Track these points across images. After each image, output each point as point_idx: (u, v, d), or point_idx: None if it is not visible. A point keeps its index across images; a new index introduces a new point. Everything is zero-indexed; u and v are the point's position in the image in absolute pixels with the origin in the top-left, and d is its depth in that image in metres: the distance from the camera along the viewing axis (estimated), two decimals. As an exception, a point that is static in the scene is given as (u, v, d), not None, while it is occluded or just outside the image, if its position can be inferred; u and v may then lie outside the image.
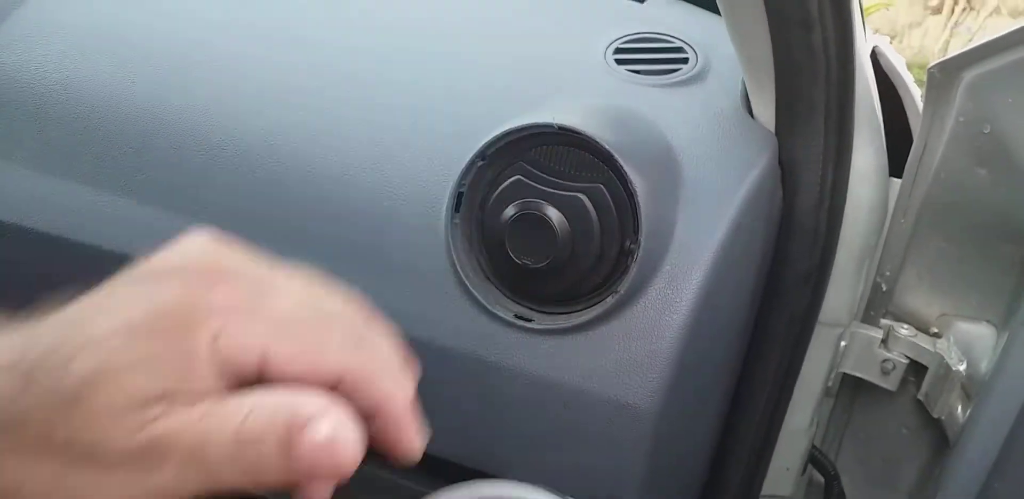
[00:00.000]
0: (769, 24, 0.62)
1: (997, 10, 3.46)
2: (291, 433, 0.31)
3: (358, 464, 0.32)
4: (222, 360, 0.32)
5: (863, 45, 0.72)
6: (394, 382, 0.36)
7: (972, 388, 0.72)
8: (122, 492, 0.31)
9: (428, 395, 0.66)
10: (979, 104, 0.67)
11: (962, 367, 0.74)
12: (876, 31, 3.84)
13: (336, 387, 0.34)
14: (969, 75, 0.66)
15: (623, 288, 0.60)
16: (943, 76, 0.68)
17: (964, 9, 3.63)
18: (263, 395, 0.33)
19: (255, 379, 0.33)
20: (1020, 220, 0.69)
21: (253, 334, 0.33)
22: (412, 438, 0.37)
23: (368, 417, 0.35)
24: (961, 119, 0.68)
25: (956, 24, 3.62)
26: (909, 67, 0.89)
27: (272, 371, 0.33)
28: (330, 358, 0.34)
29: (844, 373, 0.83)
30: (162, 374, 0.31)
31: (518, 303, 0.64)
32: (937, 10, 3.74)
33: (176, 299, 0.32)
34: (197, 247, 0.35)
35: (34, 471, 0.31)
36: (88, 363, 0.31)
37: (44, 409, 0.31)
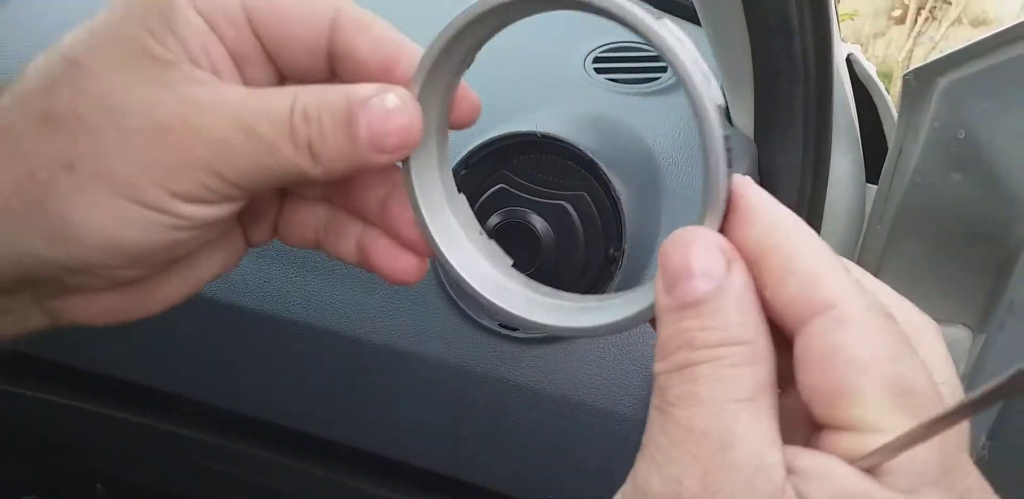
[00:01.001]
0: (749, 31, 0.63)
1: (959, 20, 3.52)
2: (351, 108, 0.31)
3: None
4: (206, 7, 0.31)
5: (840, 53, 0.73)
6: (399, 34, 0.34)
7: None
8: (154, 163, 0.30)
9: (415, 405, 0.66)
10: (954, 110, 0.68)
11: (940, 370, 0.74)
12: (842, 41, 3.90)
13: (335, 41, 0.33)
14: (944, 81, 0.68)
15: (608, 295, 0.60)
16: (918, 83, 0.69)
17: (927, 19, 3.69)
18: (301, 87, 0.32)
19: (252, 42, 0.33)
20: (994, 224, 0.70)
21: None
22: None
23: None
24: (936, 125, 0.69)
25: (919, 34, 3.68)
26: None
27: (260, 16, 0.32)
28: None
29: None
30: (146, 24, 0.31)
31: (503, 311, 0.64)
32: (900, 20, 3.80)
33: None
34: None
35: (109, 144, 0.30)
36: (77, 32, 0.31)
37: (51, 87, 0.30)
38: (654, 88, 0.74)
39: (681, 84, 0.27)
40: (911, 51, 3.58)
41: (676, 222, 0.63)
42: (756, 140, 0.70)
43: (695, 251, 0.26)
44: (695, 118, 0.27)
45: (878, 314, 0.25)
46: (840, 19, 3.43)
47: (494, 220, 0.61)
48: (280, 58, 0.34)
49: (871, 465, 0.24)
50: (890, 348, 0.24)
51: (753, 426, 0.24)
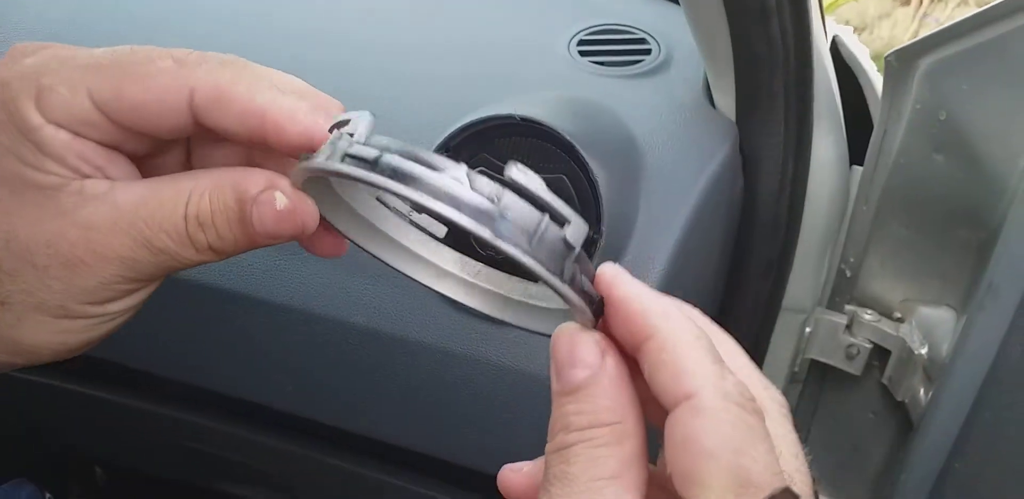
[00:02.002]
0: (727, 15, 0.63)
1: (964, 1, 3.49)
2: (243, 208, 0.33)
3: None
4: (60, 116, 0.31)
5: (821, 35, 0.72)
6: (267, 93, 0.33)
7: (933, 371, 0.73)
8: (59, 295, 0.33)
9: (399, 386, 0.67)
10: (935, 91, 0.68)
11: (924, 351, 0.75)
12: (847, 22, 3.87)
13: (197, 117, 0.33)
14: (925, 63, 0.67)
15: (586, 277, 0.60)
16: (900, 64, 0.69)
17: (932, 0, 3.66)
18: (194, 176, 0.33)
19: (117, 131, 0.33)
20: (976, 205, 0.70)
21: (71, 80, 0.31)
22: (308, 128, 0.33)
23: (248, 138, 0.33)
24: (918, 106, 0.69)
25: (924, 15, 3.66)
26: (878, 58, 0.90)
27: (111, 110, 0.32)
28: (165, 79, 0.32)
29: (811, 359, 0.85)
30: (19, 155, 0.31)
31: (484, 294, 0.65)
32: (905, 2, 3.77)
33: None
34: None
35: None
36: None
37: None
38: (637, 70, 0.75)
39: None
40: (916, 32, 3.56)
41: (655, 202, 0.64)
42: (738, 122, 0.70)
43: (576, 344, 0.30)
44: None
45: (732, 403, 0.27)
46: (843, 1, 3.41)
47: (473, 203, 0.61)
48: (151, 134, 0.34)
49: None
50: (736, 439, 0.27)
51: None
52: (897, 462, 0.78)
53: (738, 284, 0.73)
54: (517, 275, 0.38)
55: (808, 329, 0.81)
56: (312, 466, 0.81)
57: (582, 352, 0.30)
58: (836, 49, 0.83)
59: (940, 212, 0.73)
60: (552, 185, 0.61)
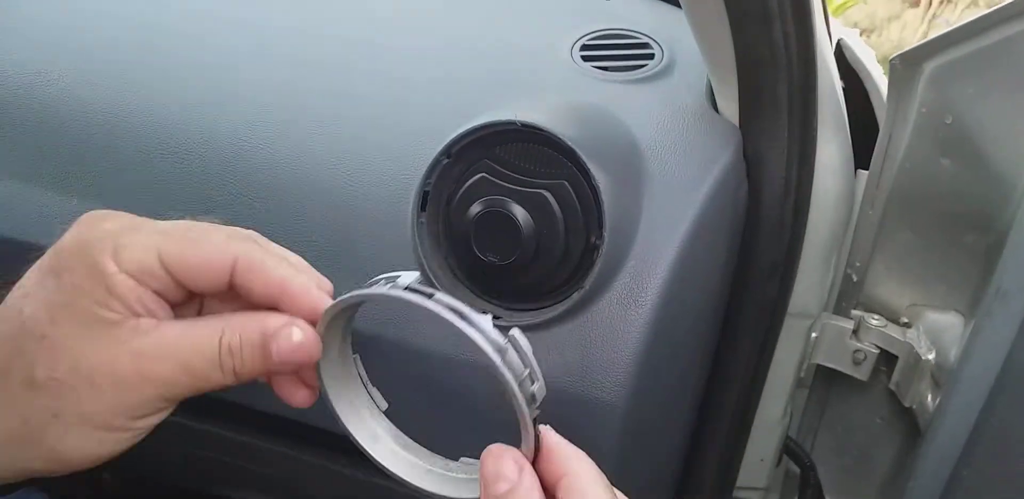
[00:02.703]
0: (729, 19, 0.62)
1: (975, 2, 3.48)
2: (265, 340, 0.43)
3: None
4: (132, 267, 0.40)
5: (825, 39, 0.72)
6: (286, 269, 0.44)
7: (941, 377, 0.73)
8: (109, 411, 0.41)
9: (398, 393, 0.67)
10: (940, 95, 0.68)
11: (931, 356, 0.74)
12: (855, 25, 3.85)
13: (233, 279, 0.43)
14: (930, 66, 0.67)
15: (588, 284, 0.60)
16: (904, 67, 0.68)
17: (942, 1, 3.65)
18: (224, 318, 0.43)
19: (171, 283, 0.42)
20: (982, 209, 0.69)
21: (145, 242, 0.41)
22: (315, 300, 0.44)
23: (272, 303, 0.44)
24: (923, 110, 0.69)
25: (934, 17, 3.64)
26: (886, 60, 0.89)
27: (174, 268, 0.41)
28: (217, 248, 0.42)
29: (817, 364, 0.84)
30: (92, 295, 0.40)
31: (486, 301, 0.65)
32: (915, 3, 3.76)
33: (74, 240, 0.41)
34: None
35: (32, 404, 0.41)
36: (33, 306, 0.41)
37: (12, 351, 0.40)
38: (640, 75, 0.74)
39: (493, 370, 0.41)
40: (926, 34, 3.55)
41: (659, 208, 0.63)
42: (741, 127, 0.70)
43: (500, 465, 0.40)
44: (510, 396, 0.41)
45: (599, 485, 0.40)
46: (853, 2, 3.40)
47: (475, 209, 0.61)
48: (192, 288, 0.44)
49: None
50: None
51: None
52: (905, 469, 0.78)
53: (743, 289, 0.72)
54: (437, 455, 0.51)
55: (814, 334, 0.81)
56: (319, 473, 0.81)
57: (505, 469, 0.40)
58: (841, 52, 0.82)
59: (947, 216, 0.73)
60: (554, 190, 0.61)
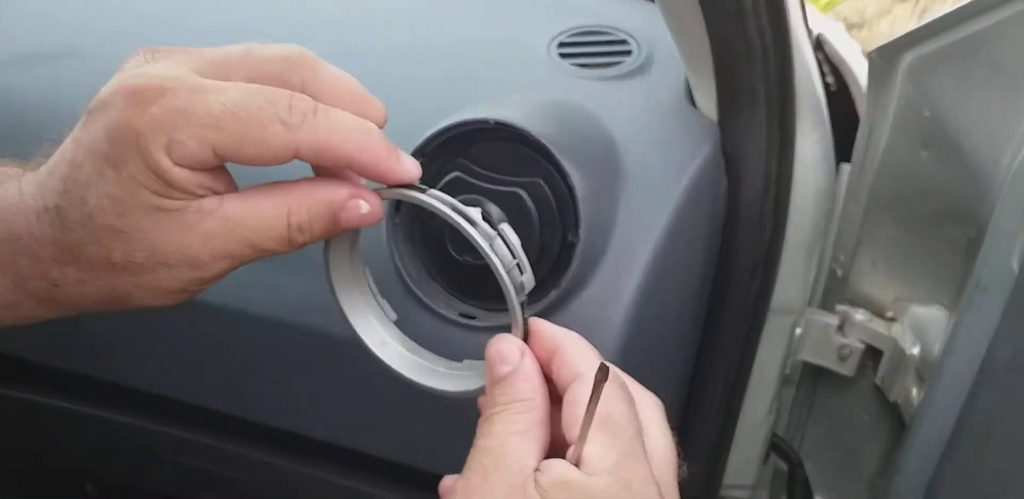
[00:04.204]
0: (704, 15, 0.62)
1: (964, -5, 3.47)
2: (335, 213, 0.44)
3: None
4: (186, 161, 0.40)
5: (803, 34, 0.72)
6: (353, 143, 0.42)
7: (925, 371, 0.72)
8: (185, 280, 0.44)
9: (378, 395, 0.66)
10: (918, 87, 0.67)
11: (916, 350, 0.74)
12: (845, 20, 3.85)
13: (301, 157, 0.42)
14: (907, 59, 0.67)
15: (565, 282, 0.59)
16: (883, 61, 0.68)
17: (931, -4, 3.65)
18: (286, 190, 0.43)
19: (222, 165, 0.42)
20: (962, 202, 0.69)
21: (198, 137, 0.40)
22: (394, 168, 0.44)
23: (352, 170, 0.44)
24: (902, 103, 0.69)
25: (924, 11, 3.64)
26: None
27: (231, 158, 0.41)
28: (276, 141, 0.40)
29: (803, 361, 0.84)
30: (152, 188, 0.41)
31: (462, 301, 0.64)
32: (905, -3, 3.76)
33: (123, 125, 0.40)
34: (131, 69, 0.43)
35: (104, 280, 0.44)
36: (97, 197, 0.41)
37: (86, 238, 0.42)
38: (618, 72, 0.74)
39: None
40: (917, 29, 3.53)
41: (636, 205, 0.63)
42: (720, 123, 0.69)
43: (503, 348, 0.44)
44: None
45: (610, 380, 0.39)
46: (842, -2, 3.40)
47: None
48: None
49: (575, 458, 0.39)
50: (608, 397, 0.40)
51: (521, 446, 0.40)
52: (892, 464, 0.78)
53: (725, 285, 0.72)
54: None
55: (799, 330, 0.80)
56: (306, 482, 0.81)
57: (507, 353, 0.43)
58: (822, 47, 0.82)
59: (929, 210, 0.73)
60: (529, 189, 0.61)
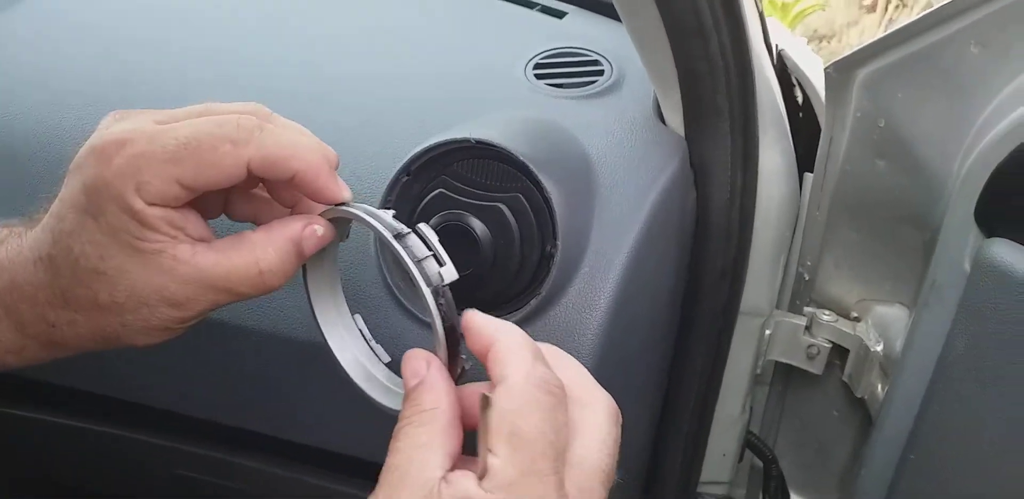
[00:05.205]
0: (668, 34, 0.66)
1: (929, 5, 3.54)
2: (299, 244, 0.49)
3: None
4: (156, 199, 0.45)
5: (763, 50, 0.76)
6: (296, 157, 0.47)
7: (889, 367, 0.76)
8: (167, 320, 0.48)
9: (365, 404, 0.69)
10: (873, 100, 0.71)
11: (879, 348, 0.78)
12: (815, 31, 3.92)
13: (252, 174, 0.46)
14: (862, 73, 0.71)
15: (545, 290, 0.63)
16: (839, 75, 0.72)
17: (897, 6, 3.72)
18: (251, 240, 0.48)
19: (188, 197, 0.46)
20: (918, 207, 0.73)
21: (162, 175, 0.45)
22: (330, 187, 0.49)
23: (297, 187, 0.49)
24: (858, 115, 0.73)
25: (891, 21, 3.71)
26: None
27: (194, 188, 0.46)
28: (228, 160, 0.45)
29: (775, 361, 0.88)
30: (129, 231, 0.45)
31: (449, 310, 0.67)
32: (872, 9, 3.83)
33: (95, 178, 0.45)
34: (100, 131, 0.48)
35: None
36: (81, 245, 0.46)
37: (73, 282, 0.47)
38: (591, 91, 0.78)
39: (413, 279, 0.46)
40: (885, 38, 3.59)
41: (609, 216, 0.67)
42: (687, 137, 0.73)
43: (412, 363, 0.45)
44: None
45: (531, 384, 0.41)
46: (812, 10, 3.46)
47: (434, 223, 0.64)
48: (214, 192, 0.49)
49: (480, 470, 0.40)
50: (522, 405, 0.40)
51: (425, 459, 0.41)
52: (859, 457, 0.81)
53: (695, 292, 0.76)
54: None
55: (768, 332, 0.84)
56: (299, 489, 0.83)
57: (414, 366, 0.45)
58: (781, 62, 0.86)
59: (887, 215, 0.77)
60: (509, 203, 0.64)
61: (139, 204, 0.45)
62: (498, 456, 0.39)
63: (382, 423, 0.72)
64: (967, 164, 0.65)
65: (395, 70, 0.82)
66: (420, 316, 0.66)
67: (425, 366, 0.45)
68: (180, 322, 0.49)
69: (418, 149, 0.65)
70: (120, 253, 0.46)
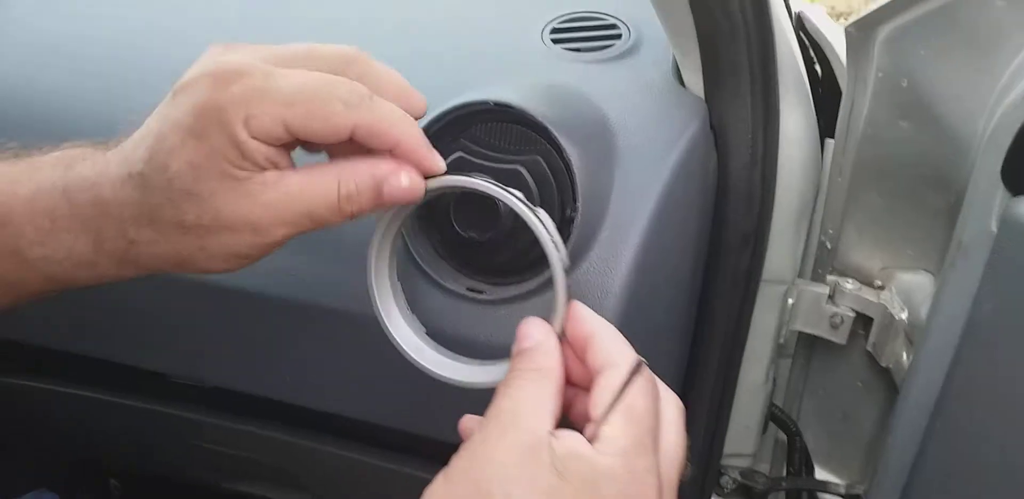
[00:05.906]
0: (686, -7, 0.65)
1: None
2: (379, 186, 0.48)
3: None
4: (260, 135, 0.46)
5: (783, 10, 0.74)
6: (399, 129, 0.48)
7: (914, 334, 0.75)
8: (246, 245, 0.48)
9: (391, 369, 0.69)
10: (895, 59, 0.70)
11: (904, 315, 0.77)
12: (832, 8, 3.87)
13: (353, 138, 0.47)
14: (883, 31, 0.69)
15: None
16: (859, 33, 0.70)
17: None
18: (337, 166, 0.49)
19: (290, 142, 0.47)
20: (942, 169, 0.72)
21: (272, 114, 0.45)
22: (428, 157, 0.49)
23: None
24: (880, 75, 0.71)
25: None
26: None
27: (298, 134, 0.46)
28: (338, 118, 0.46)
29: (798, 332, 0.86)
30: (228, 158, 0.46)
31: (469, 277, 0.67)
32: (889, -15, 3.78)
33: (207, 101, 0.45)
34: (211, 58, 0.48)
35: (174, 240, 0.49)
36: (179, 164, 0.46)
37: (163, 201, 0.47)
38: (609, 55, 0.77)
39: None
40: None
41: (629, 180, 0.66)
42: (706, 99, 0.72)
43: (530, 328, 0.48)
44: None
45: (642, 376, 0.45)
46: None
47: (453, 187, 0.63)
48: (314, 145, 0.51)
49: (592, 435, 0.42)
50: (634, 390, 0.44)
51: (537, 410, 0.43)
52: (885, 426, 0.80)
53: (717, 258, 0.75)
54: None
55: (791, 300, 0.83)
56: (330, 462, 0.83)
57: (532, 331, 0.47)
58: (803, 25, 0.85)
59: (911, 178, 0.75)
60: (528, 166, 0.63)
61: (243, 135, 0.45)
62: (613, 425, 0.42)
63: (400, 390, 0.72)
64: (992, 122, 0.63)
65: (411, 33, 0.81)
66: (440, 282, 0.66)
67: (544, 333, 0.47)
68: (259, 248, 0.49)
69: (436, 112, 0.65)
70: (214, 177, 0.46)
